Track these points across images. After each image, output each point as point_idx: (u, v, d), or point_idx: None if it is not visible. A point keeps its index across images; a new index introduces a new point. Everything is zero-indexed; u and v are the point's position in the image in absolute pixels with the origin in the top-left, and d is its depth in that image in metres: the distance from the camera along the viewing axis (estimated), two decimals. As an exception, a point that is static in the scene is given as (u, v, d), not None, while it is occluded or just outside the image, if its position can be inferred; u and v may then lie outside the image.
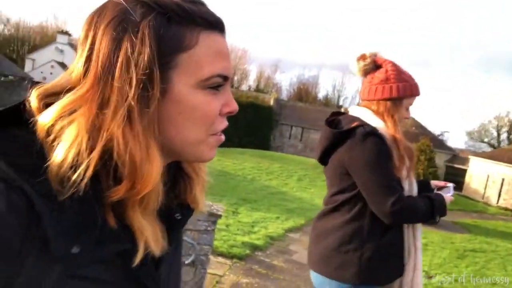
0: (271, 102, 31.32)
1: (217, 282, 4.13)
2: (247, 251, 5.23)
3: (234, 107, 0.59)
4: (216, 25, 0.56)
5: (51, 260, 0.47)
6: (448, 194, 1.78)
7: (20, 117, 0.52)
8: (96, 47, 0.50)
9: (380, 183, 1.58)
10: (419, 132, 24.90)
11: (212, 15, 0.56)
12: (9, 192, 0.45)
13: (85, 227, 0.48)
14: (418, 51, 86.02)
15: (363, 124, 1.64)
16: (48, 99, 0.53)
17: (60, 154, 0.48)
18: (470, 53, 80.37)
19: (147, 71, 0.50)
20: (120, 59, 0.49)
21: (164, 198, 0.55)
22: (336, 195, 1.74)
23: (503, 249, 9.70)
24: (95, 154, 0.49)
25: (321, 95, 49.97)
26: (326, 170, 1.81)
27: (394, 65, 1.73)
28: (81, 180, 0.47)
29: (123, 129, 0.49)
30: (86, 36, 0.52)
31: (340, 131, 1.68)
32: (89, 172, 0.48)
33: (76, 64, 0.52)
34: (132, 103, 0.49)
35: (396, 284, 1.73)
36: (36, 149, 0.48)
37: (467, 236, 10.92)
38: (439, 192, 1.81)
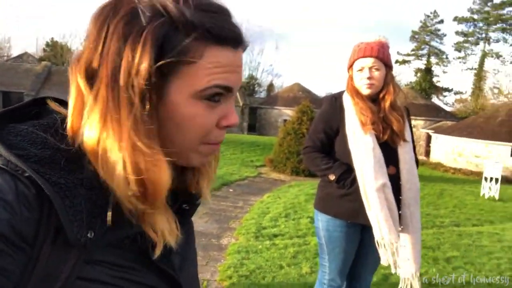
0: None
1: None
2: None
3: (233, 120, 0.57)
4: (228, 40, 0.52)
5: (67, 247, 0.48)
6: None
7: (22, 114, 0.55)
8: (107, 45, 0.48)
9: (309, 132, 2.26)
10: (305, 96, 26.37)
11: (228, 29, 0.52)
12: (16, 183, 0.46)
13: (96, 212, 0.49)
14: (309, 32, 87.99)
15: (332, 95, 2.23)
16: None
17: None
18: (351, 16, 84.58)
19: (147, 79, 0.48)
20: (123, 64, 0.48)
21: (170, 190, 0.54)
22: None
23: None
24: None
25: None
26: None
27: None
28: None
29: (130, 137, 0.48)
30: (101, 29, 0.49)
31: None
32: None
33: (91, 55, 0.50)
34: (136, 112, 0.48)
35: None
36: (41, 141, 0.50)
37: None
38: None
